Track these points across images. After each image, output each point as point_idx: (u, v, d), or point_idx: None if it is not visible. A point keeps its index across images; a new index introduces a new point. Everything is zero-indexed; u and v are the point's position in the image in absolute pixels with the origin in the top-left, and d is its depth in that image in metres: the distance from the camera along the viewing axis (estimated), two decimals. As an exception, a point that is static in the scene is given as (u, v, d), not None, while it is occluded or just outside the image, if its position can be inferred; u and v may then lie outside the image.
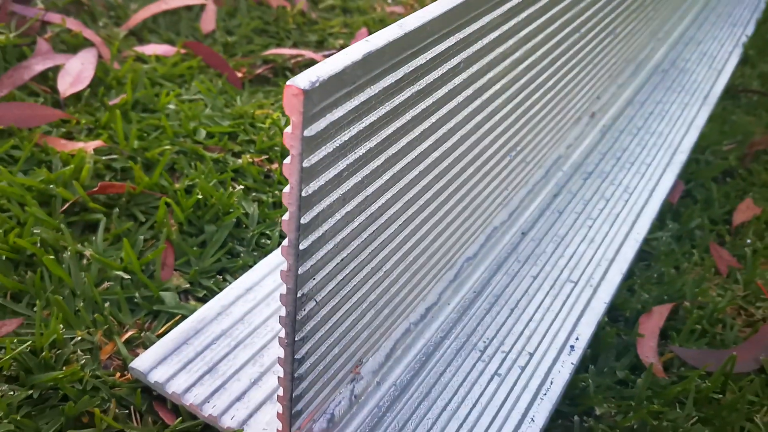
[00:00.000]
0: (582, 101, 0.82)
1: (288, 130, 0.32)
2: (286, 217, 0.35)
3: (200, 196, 0.66)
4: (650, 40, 1.06)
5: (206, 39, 0.99)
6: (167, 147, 0.73)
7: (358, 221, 0.42)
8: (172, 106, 0.81)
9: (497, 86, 0.54)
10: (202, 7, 1.03)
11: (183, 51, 0.92)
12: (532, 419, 0.53)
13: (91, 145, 0.71)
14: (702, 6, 1.31)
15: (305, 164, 0.33)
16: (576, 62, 0.73)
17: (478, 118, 0.53)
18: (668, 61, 1.09)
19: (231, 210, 0.67)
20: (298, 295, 0.39)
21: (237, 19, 1.04)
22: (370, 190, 0.41)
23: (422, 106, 0.43)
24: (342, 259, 0.42)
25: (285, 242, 0.36)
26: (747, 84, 1.11)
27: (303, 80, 0.31)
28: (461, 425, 0.51)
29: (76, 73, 0.81)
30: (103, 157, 0.70)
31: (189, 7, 1.03)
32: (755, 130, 0.98)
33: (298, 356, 0.42)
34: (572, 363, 0.58)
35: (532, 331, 0.60)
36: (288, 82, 0.31)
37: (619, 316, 0.67)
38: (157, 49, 0.91)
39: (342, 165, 0.37)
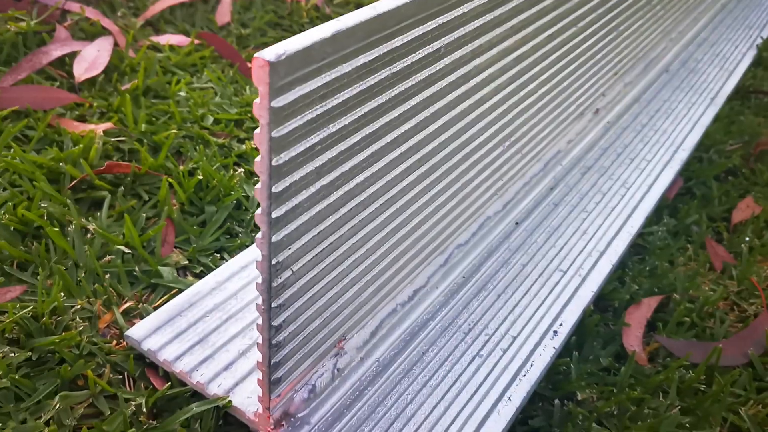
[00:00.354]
0: (584, 97, 0.83)
1: (256, 101, 0.34)
2: (258, 186, 0.37)
3: (201, 178, 0.69)
4: (662, 40, 1.07)
5: (221, 31, 1.01)
6: (174, 131, 0.75)
7: (336, 195, 0.44)
8: (182, 93, 0.84)
9: (484, 74, 0.55)
10: (218, -1, 1.07)
11: (197, 41, 0.95)
12: (509, 398, 0.54)
13: (102, 127, 0.74)
14: (718, 9, 1.31)
15: (274, 134, 0.35)
16: (574, 57, 0.74)
17: (464, 105, 0.54)
18: (679, 61, 1.09)
19: (232, 192, 0.70)
20: (273, 262, 0.41)
21: (252, 12, 1.07)
22: (347, 166, 0.43)
23: (400, 87, 0.45)
24: (319, 232, 0.44)
25: (258, 210, 0.38)
26: (758, 85, 1.11)
27: (270, 53, 0.33)
28: (440, 401, 0.53)
29: (91, 59, 0.84)
30: (112, 139, 0.73)
31: (205, 0, 1.06)
32: (763, 131, 0.98)
33: (275, 323, 0.44)
34: (554, 347, 0.59)
35: (517, 316, 0.61)
36: (255, 54, 0.33)
37: (608, 307, 0.68)
38: (171, 39, 0.94)
39: (315, 139, 0.39)
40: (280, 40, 1.03)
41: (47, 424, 0.49)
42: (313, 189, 0.41)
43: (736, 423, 0.59)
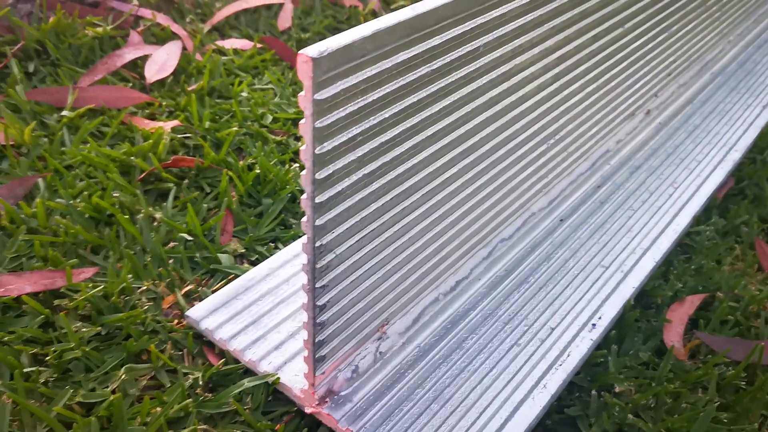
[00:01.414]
0: (634, 98, 0.84)
1: (301, 94, 0.38)
2: (303, 172, 0.41)
3: (259, 172, 0.73)
4: (719, 42, 1.06)
5: (282, 35, 1.06)
6: (235, 129, 0.80)
7: (378, 184, 0.46)
8: (244, 94, 0.88)
9: (525, 73, 0.58)
10: (280, 6, 1.11)
11: (259, 45, 1.00)
12: (545, 386, 0.56)
13: (170, 124, 0.79)
14: (783, 9, 1.28)
15: (317, 124, 0.39)
16: (621, 58, 0.75)
17: (505, 102, 0.57)
18: (737, 63, 1.08)
19: (287, 186, 0.74)
20: (316, 244, 0.44)
21: (312, 18, 1.11)
22: (388, 156, 0.46)
23: (440, 84, 0.47)
24: (362, 219, 0.47)
25: (303, 195, 0.42)
26: (822, 88, 1.09)
27: (313, 50, 0.36)
28: (476, 385, 0.55)
29: (161, 62, 0.90)
30: (179, 135, 0.79)
31: (268, 6, 1.11)
32: (823, 134, 0.96)
33: (319, 303, 0.47)
34: (591, 339, 0.60)
35: (556, 309, 0.63)
36: (300, 51, 0.36)
37: (651, 303, 0.69)
38: (235, 43, 0.99)
39: (356, 130, 0.42)
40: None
41: (113, 392, 0.54)
42: (355, 177, 0.44)
43: (777, 421, 0.59)
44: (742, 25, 1.13)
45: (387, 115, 0.44)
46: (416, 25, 0.42)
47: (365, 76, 0.40)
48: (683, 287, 0.70)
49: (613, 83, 0.76)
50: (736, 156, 0.85)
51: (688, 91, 0.98)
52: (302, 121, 0.39)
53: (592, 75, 0.70)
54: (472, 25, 0.48)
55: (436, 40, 0.45)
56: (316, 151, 0.40)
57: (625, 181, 0.80)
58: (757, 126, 0.92)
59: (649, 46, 0.81)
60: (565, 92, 0.66)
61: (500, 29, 0.51)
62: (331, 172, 0.42)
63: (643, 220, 0.74)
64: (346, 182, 0.44)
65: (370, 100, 0.42)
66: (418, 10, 0.42)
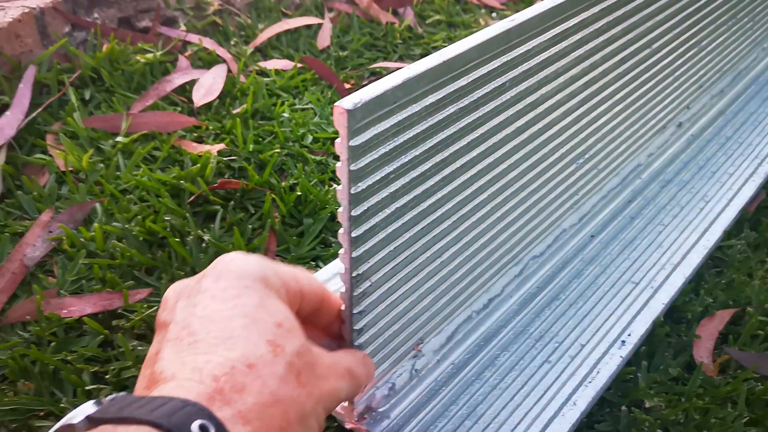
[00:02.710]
0: (665, 112, 0.85)
1: (338, 141, 0.41)
2: (340, 209, 0.44)
3: (300, 193, 0.77)
4: (753, 51, 1.06)
5: (321, 54, 1.10)
6: (277, 150, 0.84)
7: (409, 216, 0.50)
8: (285, 115, 0.92)
9: (552, 101, 0.60)
10: (319, 25, 1.15)
11: (299, 65, 1.04)
12: (575, 403, 0.58)
13: (216, 147, 0.84)
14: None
15: (352, 168, 0.42)
16: (650, 76, 0.76)
17: (533, 129, 0.59)
18: (773, 71, 1.08)
19: (327, 206, 0.77)
20: (353, 274, 0.47)
21: (349, 36, 1.15)
22: (419, 190, 0.49)
23: (467, 120, 0.50)
24: (395, 248, 0.50)
25: (341, 230, 0.45)
26: None
27: (348, 102, 0.40)
28: (508, 402, 0.58)
29: (208, 85, 0.94)
30: (225, 158, 0.83)
31: (308, 26, 1.15)
32: None
33: (356, 327, 0.50)
34: (621, 356, 0.62)
35: (587, 325, 0.65)
36: (335, 104, 0.39)
37: (682, 318, 0.70)
38: (277, 63, 1.03)
39: (388, 169, 0.45)
40: (375, 61, 1.11)
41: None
42: (388, 211, 0.47)
43: (806, 435, 0.61)
44: (779, 31, 1.12)
45: (417, 153, 0.47)
46: (443, 71, 0.45)
47: (396, 121, 0.43)
48: (714, 302, 0.71)
49: (642, 101, 0.77)
50: (767, 168, 0.86)
51: (721, 102, 0.99)
52: (338, 165, 0.42)
53: (620, 96, 0.72)
54: (498, 64, 0.50)
55: (462, 81, 0.48)
56: (352, 191, 0.43)
57: (655, 196, 0.82)
58: (791, 137, 0.92)
59: (679, 62, 0.82)
60: (593, 114, 0.68)
61: (525, 64, 0.54)
62: (366, 208, 0.45)
63: (674, 236, 0.76)
64: (380, 216, 0.47)
65: (401, 141, 0.45)
66: (445, 56, 0.45)
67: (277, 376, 0.35)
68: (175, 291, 0.42)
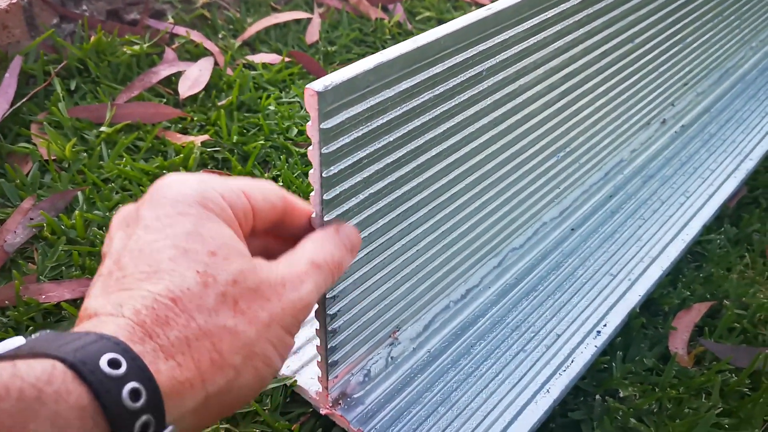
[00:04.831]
0: (648, 108, 0.86)
1: (309, 123, 0.41)
2: (312, 194, 0.44)
3: (282, 184, 0.77)
4: (741, 49, 1.07)
5: (310, 49, 1.10)
6: (261, 142, 0.84)
7: (384, 202, 0.50)
8: (271, 108, 0.93)
9: (530, 92, 0.60)
10: (308, 20, 1.15)
11: (287, 59, 1.04)
12: (548, 391, 0.59)
13: (200, 138, 0.84)
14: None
15: (324, 151, 0.42)
16: (632, 71, 0.77)
17: (510, 120, 0.60)
18: (758, 69, 1.09)
19: (309, 198, 0.77)
20: (326, 258, 0.47)
21: (339, 31, 1.15)
22: (393, 176, 0.49)
23: (443, 107, 0.50)
24: (369, 234, 0.50)
25: (313, 214, 0.45)
26: None
27: (318, 84, 0.40)
28: (482, 389, 0.58)
29: (194, 78, 0.95)
30: (209, 149, 0.83)
31: (297, 21, 1.15)
32: (844, 141, 0.97)
33: (330, 312, 0.51)
34: (596, 346, 0.63)
35: (563, 316, 0.66)
36: (306, 86, 0.40)
37: (659, 311, 0.71)
38: (265, 57, 1.04)
39: (361, 154, 0.45)
40: (364, 56, 1.10)
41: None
42: (362, 196, 0.48)
43: (779, 427, 0.61)
44: (766, 31, 1.13)
45: (391, 139, 0.47)
46: (417, 57, 0.45)
47: (369, 105, 0.44)
48: (691, 295, 0.72)
49: (624, 96, 0.78)
50: (750, 164, 0.87)
51: (706, 100, 0.99)
52: (310, 148, 0.42)
53: (601, 90, 0.72)
54: (474, 52, 0.51)
55: (437, 68, 0.48)
56: (324, 175, 0.43)
57: (637, 191, 0.82)
58: (774, 134, 0.93)
59: (663, 57, 0.83)
60: (574, 108, 0.69)
61: (502, 54, 0.54)
62: (338, 192, 0.45)
63: (653, 230, 0.76)
64: (354, 201, 0.47)
65: (374, 126, 0.45)
66: (419, 42, 0.45)
67: (205, 308, 0.33)
68: (117, 219, 0.39)
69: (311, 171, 0.44)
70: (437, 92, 0.49)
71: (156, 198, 0.37)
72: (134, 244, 0.35)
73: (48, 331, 0.32)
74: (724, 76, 1.04)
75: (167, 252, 0.35)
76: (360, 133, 0.44)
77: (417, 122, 0.49)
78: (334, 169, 0.44)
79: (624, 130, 0.82)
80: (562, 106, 0.67)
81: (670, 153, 0.89)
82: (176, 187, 0.38)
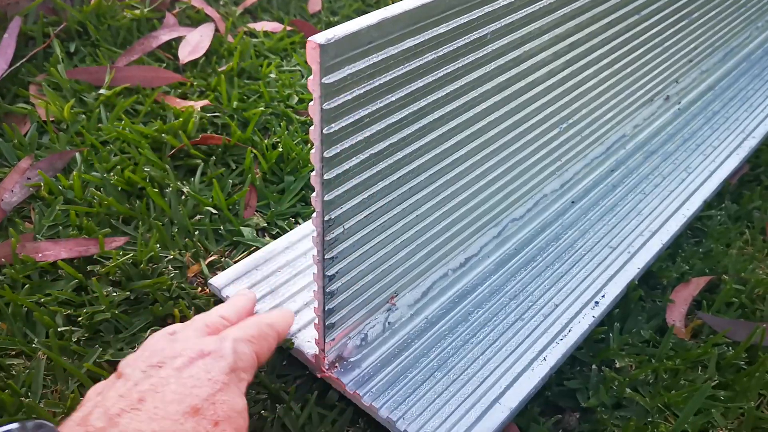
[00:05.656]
0: (652, 84, 0.85)
1: (310, 78, 0.41)
2: (312, 151, 0.44)
3: (282, 151, 0.77)
4: (747, 29, 1.06)
5: (312, 18, 1.09)
6: (261, 108, 0.84)
7: (385, 163, 0.49)
8: (272, 75, 0.92)
9: (535, 59, 0.60)
10: (311, -11, 1.14)
11: (289, 28, 1.03)
12: (545, 358, 0.59)
13: (200, 104, 0.83)
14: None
15: (325, 106, 0.42)
16: (638, 44, 0.76)
17: (514, 87, 0.59)
18: (763, 49, 1.08)
19: (309, 164, 0.77)
20: (325, 218, 0.47)
21: (341, 1, 1.14)
22: (395, 137, 0.49)
23: (446, 69, 0.50)
24: (369, 195, 0.50)
25: (313, 173, 0.45)
26: None
27: (321, 37, 0.39)
28: (479, 356, 0.58)
29: (194, 43, 0.94)
30: (208, 114, 0.82)
31: (300, -11, 1.14)
32: None
33: (328, 273, 0.50)
34: (593, 316, 0.63)
35: (562, 287, 0.65)
36: (308, 38, 0.39)
37: (657, 285, 0.71)
38: (266, 25, 1.03)
39: (363, 112, 0.45)
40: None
41: (141, 352, 0.58)
42: (362, 156, 0.47)
43: (774, 400, 0.61)
44: (772, 10, 1.12)
45: (393, 99, 0.47)
46: (422, 15, 0.45)
47: (371, 62, 0.43)
48: (690, 269, 0.72)
49: (629, 69, 0.77)
50: (752, 143, 0.86)
51: (711, 78, 0.98)
52: (311, 103, 0.42)
53: (606, 61, 0.71)
54: (479, 14, 0.50)
55: (442, 28, 0.47)
56: (324, 131, 0.43)
57: (639, 166, 0.82)
58: (777, 113, 0.92)
59: (669, 32, 0.82)
60: (578, 78, 0.68)
61: (508, 17, 0.53)
62: (338, 151, 0.45)
63: (654, 204, 0.76)
64: (354, 161, 0.47)
65: (376, 84, 0.44)
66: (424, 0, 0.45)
67: None
68: (153, 350, 0.46)
69: (311, 128, 0.43)
70: (441, 53, 0.48)
71: (192, 359, 0.44)
72: (159, 386, 0.42)
73: (50, 425, 0.38)
74: (728, 54, 1.03)
75: (182, 407, 0.41)
76: (362, 91, 0.44)
77: (420, 83, 0.48)
78: (335, 126, 0.43)
79: (627, 105, 0.81)
80: (567, 76, 0.66)
81: (672, 129, 0.89)
82: (214, 356, 0.45)
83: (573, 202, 0.76)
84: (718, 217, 0.78)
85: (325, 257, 0.49)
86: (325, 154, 0.44)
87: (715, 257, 0.73)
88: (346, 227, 0.49)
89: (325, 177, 0.45)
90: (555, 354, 0.59)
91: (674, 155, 0.84)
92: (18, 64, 0.86)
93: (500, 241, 0.69)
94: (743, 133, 0.88)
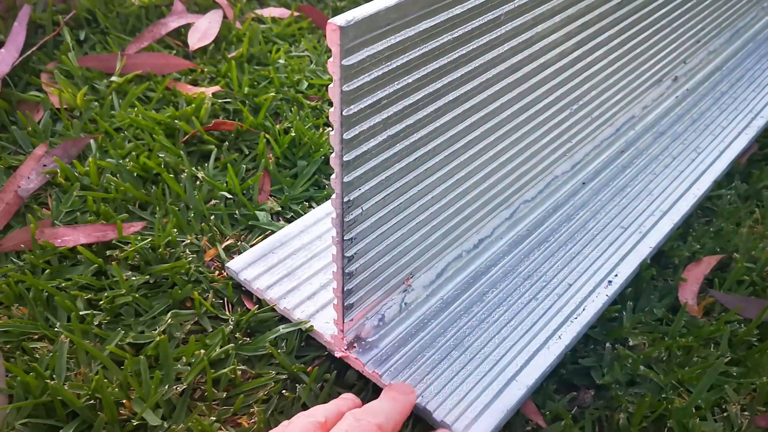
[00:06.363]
0: (661, 65, 0.85)
1: (330, 60, 0.41)
2: (332, 132, 0.45)
3: (294, 135, 0.77)
4: (753, 9, 1.06)
5: (318, 3, 1.09)
6: (272, 94, 0.84)
7: (402, 145, 0.50)
8: (281, 61, 0.92)
9: (547, 40, 0.60)
10: (317, -26, 1.14)
11: (296, 14, 1.04)
12: (560, 337, 0.59)
13: (211, 90, 0.84)
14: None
15: (345, 88, 0.42)
16: (647, 25, 0.76)
17: (527, 68, 0.59)
18: (771, 29, 1.08)
19: (321, 149, 0.78)
20: (345, 200, 0.48)
21: (348, -14, 1.14)
22: (411, 119, 0.49)
23: (461, 51, 0.50)
24: (387, 177, 0.50)
25: (332, 154, 0.46)
26: None
27: (341, 19, 0.40)
28: (495, 335, 0.59)
29: (203, 30, 0.94)
30: (220, 100, 0.83)
31: (306, -26, 1.14)
32: None
33: (347, 254, 0.51)
34: (607, 295, 0.63)
35: (574, 266, 0.66)
36: (329, 20, 0.40)
37: (669, 264, 0.71)
38: (274, 11, 1.03)
39: (381, 93, 0.45)
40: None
41: (160, 335, 0.59)
42: (380, 138, 0.48)
43: (786, 376, 0.62)
44: (779, -10, 1.12)
45: (410, 80, 0.47)
46: (438, -4, 0.45)
47: (390, 44, 0.44)
48: (701, 248, 0.72)
49: (638, 50, 0.77)
50: (761, 122, 0.86)
51: (718, 58, 0.99)
52: (331, 85, 0.42)
53: (616, 42, 0.72)
54: (493, -5, 0.50)
55: (457, 9, 0.48)
56: (344, 113, 0.43)
57: (648, 147, 0.82)
58: (786, 93, 0.92)
59: (676, 13, 0.82)
60: (588, 59, 0.68)
61: (521, -2, 0.54)
62: (357, 132, 0.45)
63: (664, 184, 0.76)
64: (372, 143, 0.47)
65: (394, 65, 0.45)
66: (440, -19, 0.45)
67: None
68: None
69: (331, 110, 0.44)
70: (456, 34, 0.49)
71: None
72: None
73: None
74: (735, 35, 1.03)
75: None
76: (380, 72, 0.44)
77: (435, 64, 0.49)
78: (354, 108, 0.44)
79: (636, 86, 0.82)
80: (577, 57, 0.66)
81: (681, 110, 0.89)
82: None
83: (584, 183, 0.76)
84: (728, 196, 0.79)
85: (344, 238, 0.50)
86: (345, 136, 0.45)
87: (726, 236, 0.74)
88: (364, 208, 0.50)
89: (345, 158, 0.46)
90: (569, 332, 0.60)
91: (683, 136, 0.84)
92: (29, 52, 0.86)
93: (513, 222, 0.70)
94: (751, 113, 0.88)
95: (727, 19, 0.98)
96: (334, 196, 0.48)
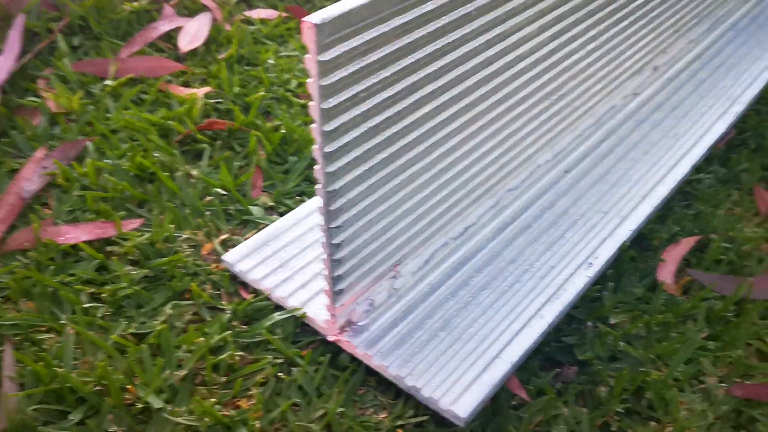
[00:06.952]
0: (640, 55, 0.88)
1: (307, 56, 0.44)
2: (313, 125, 0.47)
3: (284, 132, 0.80)
4: (732, -3, 1.08)
5: (306, 4, 1.12)
6: (262, 93, 0.87)
7: (382, 137, 0.52)
8: (270, 61, 0.95)
9: (521, 33, 0.62)
10: (305, -25, 1.17)
11: (284, 15, 1.06)
12: (542, 316, 0.62)
13: (202, 90, 0.87)
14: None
15: (322, 83, 0.45)
16: (623, 16, 0.79)
17: (501, 61, 0.62)
18: (749, 17, 1.10)
19: (311, 145, 0.80)
20: (329, 189, 0.50)
21: (335, -14, 1.17)
22: (390, 111, 0.52)
23: (435, 45, 0.53)
24: (369, 168, 0.53)
25: (314, 146, 0.48)
26: (835, 39, 1.10)
27: (315, 17, 0.42)
28: (480, 316, 0.62)
29: (193, 32, 0.97)
30: (211, 101, 0.86)
31: (294, -24, 1.17)
32: (832, 84, 0.99)
33: (335, 241, 0.54)
34: (587, 276, 0.66)
35: (557, 250, 0.69)
36: (303, 18, 0.42)
37: (649, 246, 0.74)
38: (262, 13, 1.05)
39: (359, 87, 0.48)
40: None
41: (161, 325, 0.61)
42: (361, 130, 0.50)
43: (761, 349, 0.64)
44: (757, -22, 1.14)
45: (387, 74, 0.50)
46: (410, -7, 0.48)
47: (364, 40, 0.46)
48: (680, 230, 0.75)
49: (616, 40, 0.80)
50: (738, 108, 0.89)
51: (698, 47, 1.01)
52: (309, 80, 0.45)
53: (592, 33, 0.74)
54: (465, -9, 0.53)
55: (429, 6, 0.50)
56: (323, 107, 0.46)
57: (628, 135, 0.85)
58: (763, 79, 0.95)
59: (655, 2, 0.84)
60: (565, 51, 0.71)
61: (493, -7, 0.56)
62: (338, 125, 0.48)
63: (643, 170, 0.79)
64: (353, 134, 0.50)
65: (370, 60, 0.48)
66: (412, -21, 0.47)
67: None
68: None
69: (311, 104, 0.46)
70: (429, 30, 0.51)
71: None
72: None
73: None
74: (715, 23, 1.06)
75: None
76: (356, 68, 0.47)
77: (410, 59, 0.51)
78: (333, 101, 0.47)
79: (616, 76, 0.84)
80: (554, 49, 0.69)
81: (661, 98, 0.92)
82: None
83: (566, 171, 0.79)
84: (707, 180, 0.81)
85: (331, 226, 0.53)
86: (325, 128, 0.47)
87: (705, 218, 0.76)
88: (348, 197, 0.53)
89: (326, 150, 0.48)
90: (551, 311, 0.62)
91: (663, 123, 0.87)
92: (25, 59, 0.89)
93: (497, 210, 0.72)
94: (730, 100, 0.91)
95: (707, 8, 1.01)
96: (319, 185, 0.51)
